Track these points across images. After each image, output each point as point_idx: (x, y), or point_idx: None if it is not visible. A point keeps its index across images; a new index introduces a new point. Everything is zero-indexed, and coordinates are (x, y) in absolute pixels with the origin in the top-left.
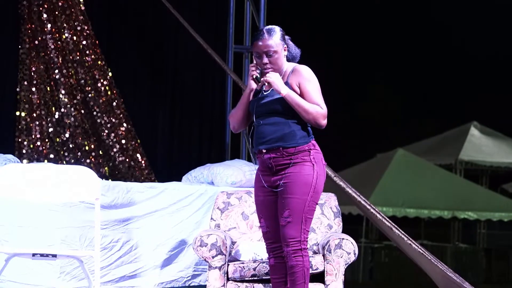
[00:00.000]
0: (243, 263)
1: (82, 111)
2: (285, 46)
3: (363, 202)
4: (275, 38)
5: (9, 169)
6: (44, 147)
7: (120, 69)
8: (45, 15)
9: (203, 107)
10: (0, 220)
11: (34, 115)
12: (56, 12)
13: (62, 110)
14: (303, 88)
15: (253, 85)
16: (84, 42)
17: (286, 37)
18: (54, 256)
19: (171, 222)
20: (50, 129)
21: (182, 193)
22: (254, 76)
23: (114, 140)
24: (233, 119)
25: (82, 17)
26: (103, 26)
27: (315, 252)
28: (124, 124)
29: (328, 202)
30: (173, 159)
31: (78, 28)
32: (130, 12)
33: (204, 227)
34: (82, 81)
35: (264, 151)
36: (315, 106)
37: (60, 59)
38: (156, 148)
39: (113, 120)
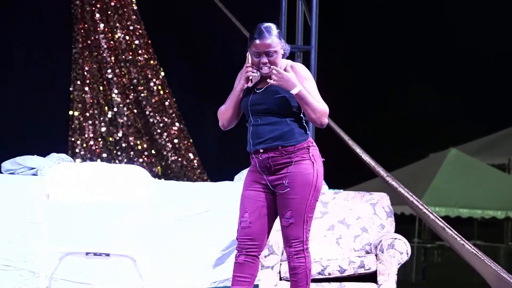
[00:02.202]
0: None
1: (135, 111)
2: (282, 44)
3: (415, 202)
4: (274, 37)
5: (63, 168)
6: (97, 146)
7: (172, 68)
8: (98, 15)
9: None
10: (54, 219)
11: (87, 114)
12: (109, 12)
13: (115, 109)
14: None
15: (245, 84)
16: (136, 42)
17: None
18: (107, 255)
19: (223, 222)
20: (103, 129)
21: (234, 192)
22: (251, 77)
23: (167, 139)
24: (223, 116)
25: (134, 16)
26: (155, 25)
27: (367, 252)
28: (177, 124)
29: (381, 202)
30: (225, 159)
31: (131, 27)
32: (182, 12)
33: None
34: (135, 80)
35: (261, 151)
36: (321, 105)
37: (112, 58)
38: (208, 148)
39: (166, 119)
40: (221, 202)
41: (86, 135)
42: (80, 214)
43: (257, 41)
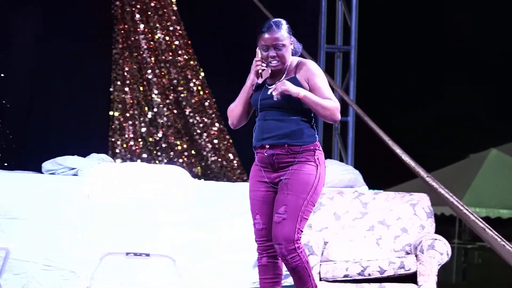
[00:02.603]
0: (335, 263)
1: (175, 111)
2: (292, 40)
3: (456, 203)
4: (283, 31)
5: (103, 169)
6: (137, 147)
7: (211, 69)
8: (137, 16)
9: None
10: (94, 219)
11: (127, 115)
12: (149, 13)
13: (155, 110)
14: (313, 83)
15: (255, 79)
16: (176, 42)
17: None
18: (147, 255)
19: None
20: (143, 129)
21: None
22: (260, 71)
23: (207, 139)
24: (233, 114)
25: (174, 17)
26: (195, 26)
27: (407, 253)
28: (216, 124)
29: (421, 203)
30: None
31: (171, 28)
32: (221, 12)
33: None
34: (175, 81)
35: (267, 146)
36: (331, 102)
37: (152, 59)
38: (248, 148)
39: (205, 120)
40: None
41: (126, 136)
42: (120, 214)
43: (266, 35)
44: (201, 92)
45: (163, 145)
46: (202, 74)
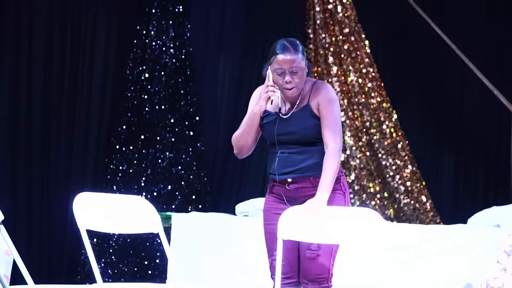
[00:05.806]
0: None
1: (367, 153)
2: (307, 61)
3: None
4: (300, 53)
5: (292, 212)
6: None
7: (404, 111)
8: (331, 58)
9: (488, 149)
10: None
11: None
12: (342, 55)
13: (348, 152)
14: (323, 111)
15: (263, 106)
16: (369, 85)
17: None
18: None
19: (456, 265)
20: None
21: (467, 235)
22: (272, 98)
23: (399, 182)
24: (239, 143)
25: (367, 59)
26: (388, 68)
27: None
28: (409, 166)
29: None
30: (458, 202)
31: (364, 70)
32: (415, 54)
33: (490, 270)
34: (367, 123)
35: (289, 180)
36: (335, 162)
37: (345, 101)
38: (441, 191)
39: (398, 162)
40: (454, 245)
41: None
42: None
43: (281, 56)
44: (394, 134)
45: (356, 187)
46: (395, 116)
